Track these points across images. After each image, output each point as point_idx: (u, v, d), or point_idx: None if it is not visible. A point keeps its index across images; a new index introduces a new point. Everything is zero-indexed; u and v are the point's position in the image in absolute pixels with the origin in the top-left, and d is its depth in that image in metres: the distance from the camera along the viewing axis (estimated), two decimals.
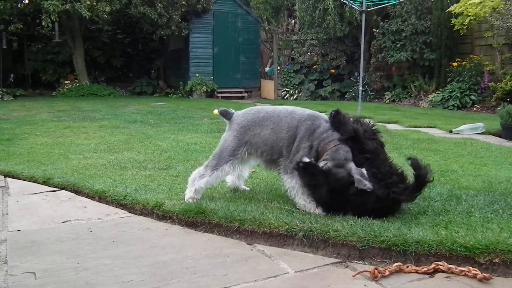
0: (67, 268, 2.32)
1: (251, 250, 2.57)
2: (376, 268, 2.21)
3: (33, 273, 2.26)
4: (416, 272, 2.22)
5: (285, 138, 3.00)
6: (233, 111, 3.29)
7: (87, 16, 14.08)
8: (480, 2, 10.32)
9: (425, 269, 2.22)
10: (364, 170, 2.71)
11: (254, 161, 3.31)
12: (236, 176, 3.38)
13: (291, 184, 2.95)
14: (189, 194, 3.10)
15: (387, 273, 2.20)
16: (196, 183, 3.10)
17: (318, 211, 2.79)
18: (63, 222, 3.05)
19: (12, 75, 17.05)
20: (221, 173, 3.11)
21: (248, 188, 3.45)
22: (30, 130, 7.17)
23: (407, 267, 2.25)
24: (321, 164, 2.80)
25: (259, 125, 3.10)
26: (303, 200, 2.89)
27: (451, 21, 11.33)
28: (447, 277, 2.19)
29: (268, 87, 17.37)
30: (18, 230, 2.89)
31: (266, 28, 19.58)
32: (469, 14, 10.46)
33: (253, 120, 3.14)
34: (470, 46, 12.73)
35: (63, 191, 3.75)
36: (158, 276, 2.23)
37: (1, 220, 3.09)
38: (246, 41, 17.51)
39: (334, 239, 2.47)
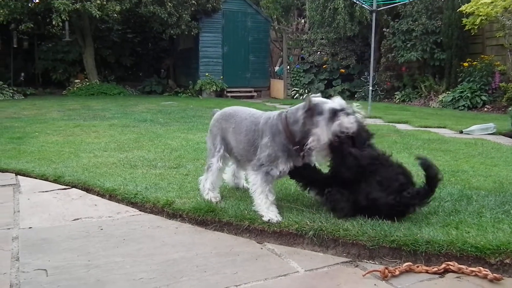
0: (78, 265, 2.34)
1: (261, 248, 2.58)
2: (386, 268, 2.21)
3: (45, 270, 2.28)
4: (427, 272, 2.22)
5: (252, 134, 3.00)
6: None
7: (97, 15, 14.17)
8: (492, 2, 10.24)
9: (436, 269, 2.21)
10: None
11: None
12: (231, 174, 3.44)
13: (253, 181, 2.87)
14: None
15: (397, 272, 2.20)
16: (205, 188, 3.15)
17: (270, 216, 2.72)
18: (74, 220, 3.07)
19: (22, 74, 17.23)
20: (214, 168, 3.13)
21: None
22: (40, 129, 7.22)
23: (417, 267, 2.24)
24: None
25: (225, 120, 3.15)
26: (259, 200, 2.80)
27: (462, 20, 11.25)
28: (457, 277, 2.18)
29: (278, 86, 17.35)
30: (30, 228, 2.92)
31: (276, 27, 19.55)
32: (480, 13, 10.38)
33: (221, 116, 3.21)
34: (481, 46, 12.63)
35: (73, 189, 3.78)
36: (168, 274, 2.24)
37: (12, 217, 3.12)
38: (255, 41, 17.50)
39: (344, 239, 2.47)
